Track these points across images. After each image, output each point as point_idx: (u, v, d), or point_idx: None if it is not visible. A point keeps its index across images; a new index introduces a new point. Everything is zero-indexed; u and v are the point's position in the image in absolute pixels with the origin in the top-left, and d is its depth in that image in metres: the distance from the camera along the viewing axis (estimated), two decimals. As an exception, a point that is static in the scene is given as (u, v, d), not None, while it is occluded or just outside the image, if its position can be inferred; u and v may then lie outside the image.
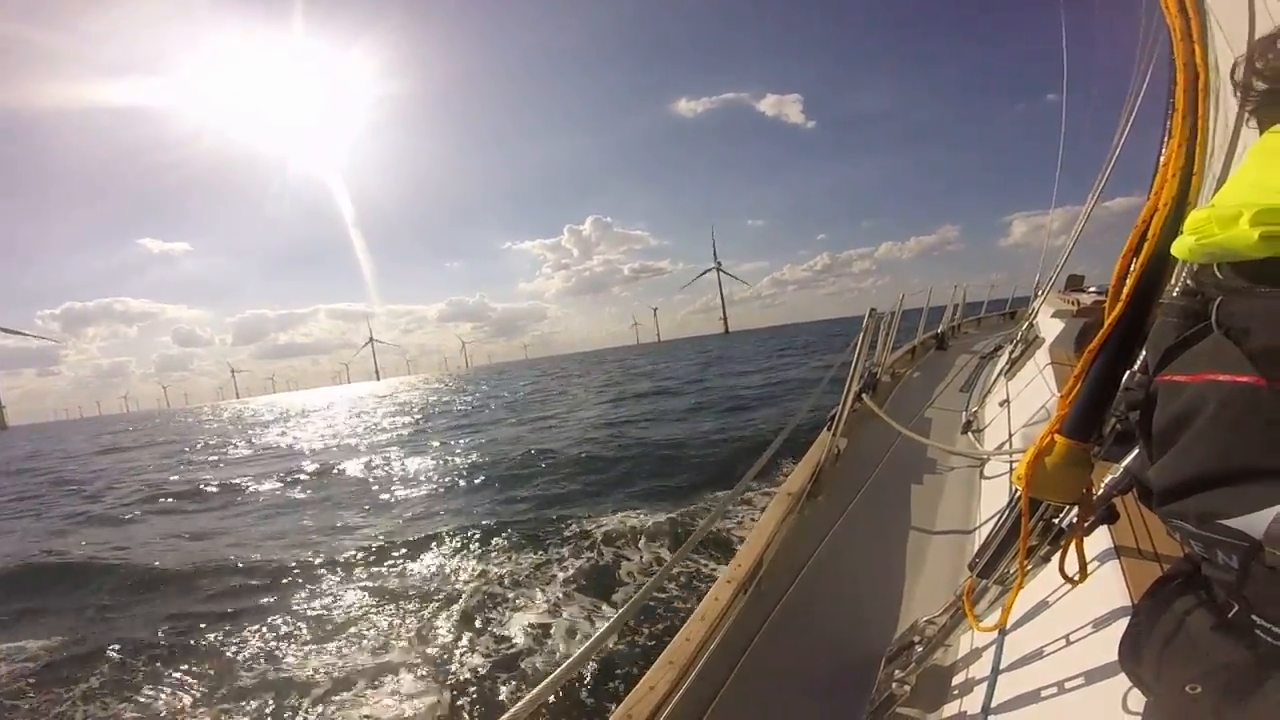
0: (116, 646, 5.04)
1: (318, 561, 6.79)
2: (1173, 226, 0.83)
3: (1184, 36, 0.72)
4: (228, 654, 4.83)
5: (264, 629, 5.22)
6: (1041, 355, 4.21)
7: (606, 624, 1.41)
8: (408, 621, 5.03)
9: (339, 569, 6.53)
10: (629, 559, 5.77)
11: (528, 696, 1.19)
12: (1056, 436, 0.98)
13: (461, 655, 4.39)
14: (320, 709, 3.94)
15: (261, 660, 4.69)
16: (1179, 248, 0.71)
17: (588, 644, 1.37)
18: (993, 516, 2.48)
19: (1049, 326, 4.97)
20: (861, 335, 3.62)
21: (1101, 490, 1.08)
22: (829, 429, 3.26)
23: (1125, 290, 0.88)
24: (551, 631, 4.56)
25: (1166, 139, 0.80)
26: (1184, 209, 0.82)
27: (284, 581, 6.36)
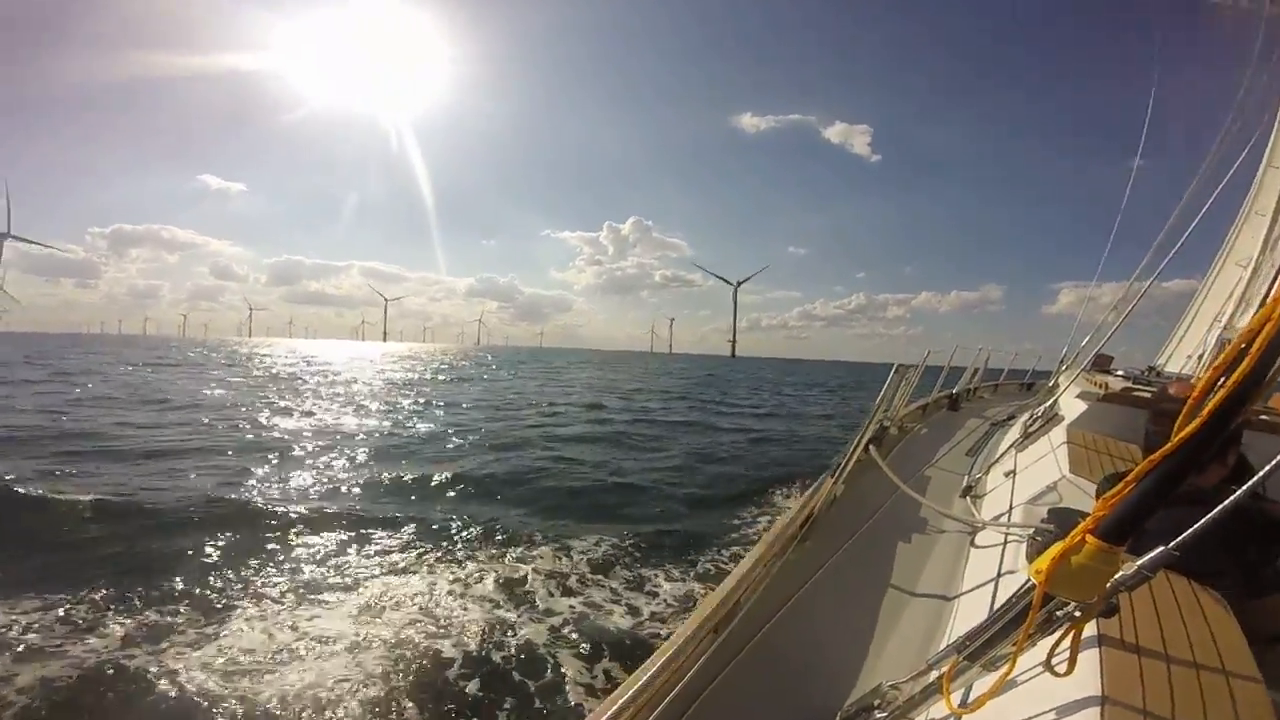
0: None
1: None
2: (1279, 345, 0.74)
3: None
4: None
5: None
6: (1058, 433, 4.09)
7: (635, 688, 1.33)
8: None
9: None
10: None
11: None
12: (1089, 536, 0.92)
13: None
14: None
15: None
16: None
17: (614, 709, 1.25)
18: (977, 587, 2.41)
19: (1071, 406, 4.84)
20: (886, 387, 3.56)
21: (1110, 586, 1.02)
22: (831, 474, 3.19)
23: (1208, 407, 0.80)
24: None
25: None
26: None
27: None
